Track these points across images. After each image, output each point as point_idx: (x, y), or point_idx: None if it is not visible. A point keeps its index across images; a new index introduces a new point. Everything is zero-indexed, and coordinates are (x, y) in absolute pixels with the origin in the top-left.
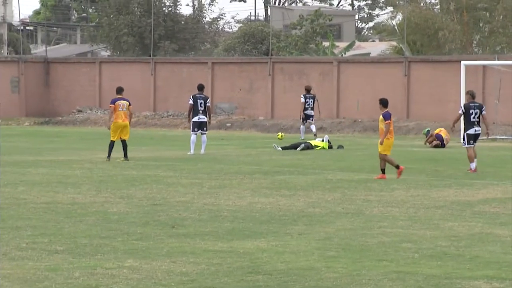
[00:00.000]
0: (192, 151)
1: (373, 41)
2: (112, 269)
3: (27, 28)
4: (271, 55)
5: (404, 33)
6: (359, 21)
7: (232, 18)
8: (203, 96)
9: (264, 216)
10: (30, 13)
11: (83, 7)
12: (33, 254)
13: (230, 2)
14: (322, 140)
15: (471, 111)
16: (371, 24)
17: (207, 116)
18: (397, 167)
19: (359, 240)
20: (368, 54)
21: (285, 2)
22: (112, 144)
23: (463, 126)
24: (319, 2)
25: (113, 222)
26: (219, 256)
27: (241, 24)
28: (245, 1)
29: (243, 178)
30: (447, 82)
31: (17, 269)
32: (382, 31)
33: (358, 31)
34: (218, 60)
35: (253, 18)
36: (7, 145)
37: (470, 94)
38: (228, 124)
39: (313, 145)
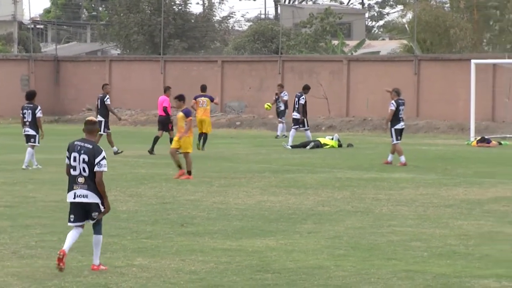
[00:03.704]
0: None
1: (383, 39)
2: (122, 267)
3: (38, 26)
4: (281, 53)
5: (414, 32)
6: (369, 20)
7: (242, 16)
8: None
9: (273, 215)
10: (41, 11)
11: (93, 5)
12: (42, 252)
13: (240, 0)
14: (332, 139)
15: (400, 107)
16: (381, 22)
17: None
18: (179, 167)
19: (368, 238)
20: (378, 52)
21: (295, 0)
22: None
23: (391, 122)
24: (329, 0)
25: (122, 221)
26: (228, 255)
27: (251, 23)
28: (254, 0)
29: (252, 176)
30: (457, 80)
31: (26, 267)
32: (392, 30)
33: (368, 29)
34: (228, 59)
35: (263, 16)
36: (17, 143)
37: (396, 92)
38: (238, 123)
39: (322, 143)
